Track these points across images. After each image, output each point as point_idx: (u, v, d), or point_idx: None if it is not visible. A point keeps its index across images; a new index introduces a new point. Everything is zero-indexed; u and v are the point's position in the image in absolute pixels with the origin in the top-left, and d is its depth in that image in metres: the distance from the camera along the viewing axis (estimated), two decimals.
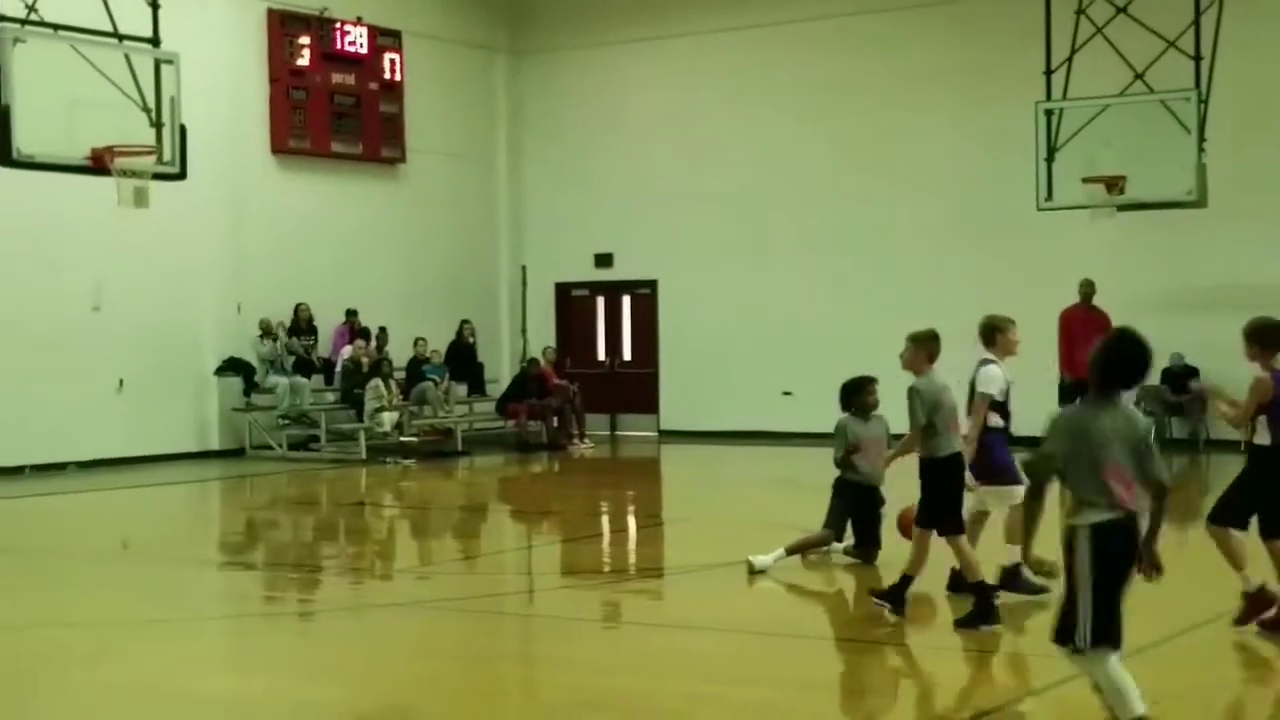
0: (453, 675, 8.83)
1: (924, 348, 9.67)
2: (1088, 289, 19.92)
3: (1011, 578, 9.97)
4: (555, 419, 23.94)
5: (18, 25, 14.38)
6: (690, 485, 20.38)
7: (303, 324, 23.14)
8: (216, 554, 14.65)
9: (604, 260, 26.29)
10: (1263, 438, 8.94)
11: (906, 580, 9.62)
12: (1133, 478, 6.19)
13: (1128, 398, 6.46)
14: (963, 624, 9.32)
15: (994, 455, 10.02)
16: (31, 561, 13.44)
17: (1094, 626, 6.13)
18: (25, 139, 13.79)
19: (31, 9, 14.81)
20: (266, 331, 22.41)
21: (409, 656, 9.27)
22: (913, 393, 9.53)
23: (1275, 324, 9.00)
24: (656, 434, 25.15)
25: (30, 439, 19.81)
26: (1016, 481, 9.74)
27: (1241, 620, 9.11)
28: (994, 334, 10.20)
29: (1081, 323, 19.03)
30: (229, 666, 9.43)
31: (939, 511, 9.52)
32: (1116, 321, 10.62)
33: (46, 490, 18.35)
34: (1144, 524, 6.26)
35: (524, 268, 26.76)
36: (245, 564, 13.88)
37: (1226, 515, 9.16)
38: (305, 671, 8.93)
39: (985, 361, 10.10)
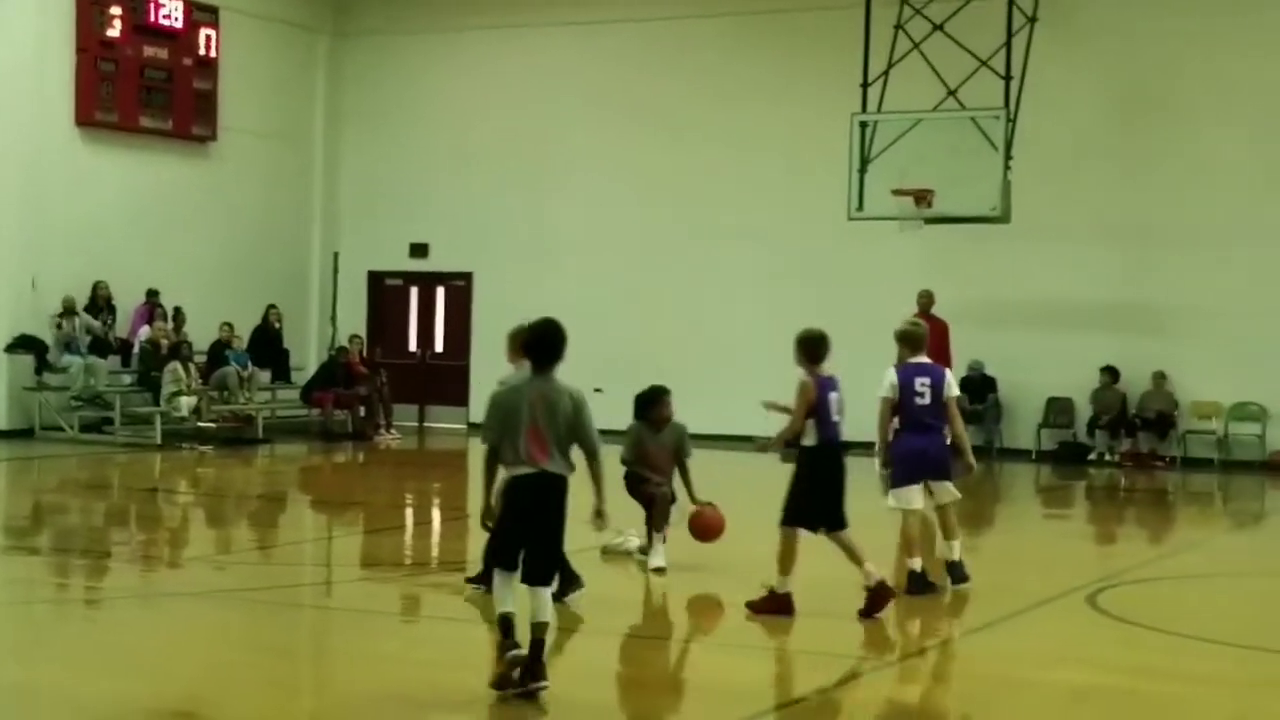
0: (246, 667, 8.54)
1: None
2: (926, 299, 20.02)
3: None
4: (362, 408, 23.56)
5: None
6: None
7: (101, 302, 22.41)
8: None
9: (419, 250, 25.97)
10: (810, 439, 9.61)
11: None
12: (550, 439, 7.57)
13: None
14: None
15: None
16: None
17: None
18: None
19: None
20: (68, 310, 21.64)
21: (201, 647, 8.96)
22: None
23: (816, 336, 9.74)
24: (466, 427, 24.93)
25: None
26: None
27: (867, 612, 9.58)
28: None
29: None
30: (12, 656, 9.00)
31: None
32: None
33: None
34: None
35: (336, 254, 26.29)
36: (30, 548, 13.31)
37: (794, 517, 9.63)
38: (94, 662, 8.57)
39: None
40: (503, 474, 7.76)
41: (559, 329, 7.82)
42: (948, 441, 10.72)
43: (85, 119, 22.43)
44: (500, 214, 25.02)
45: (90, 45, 22.34)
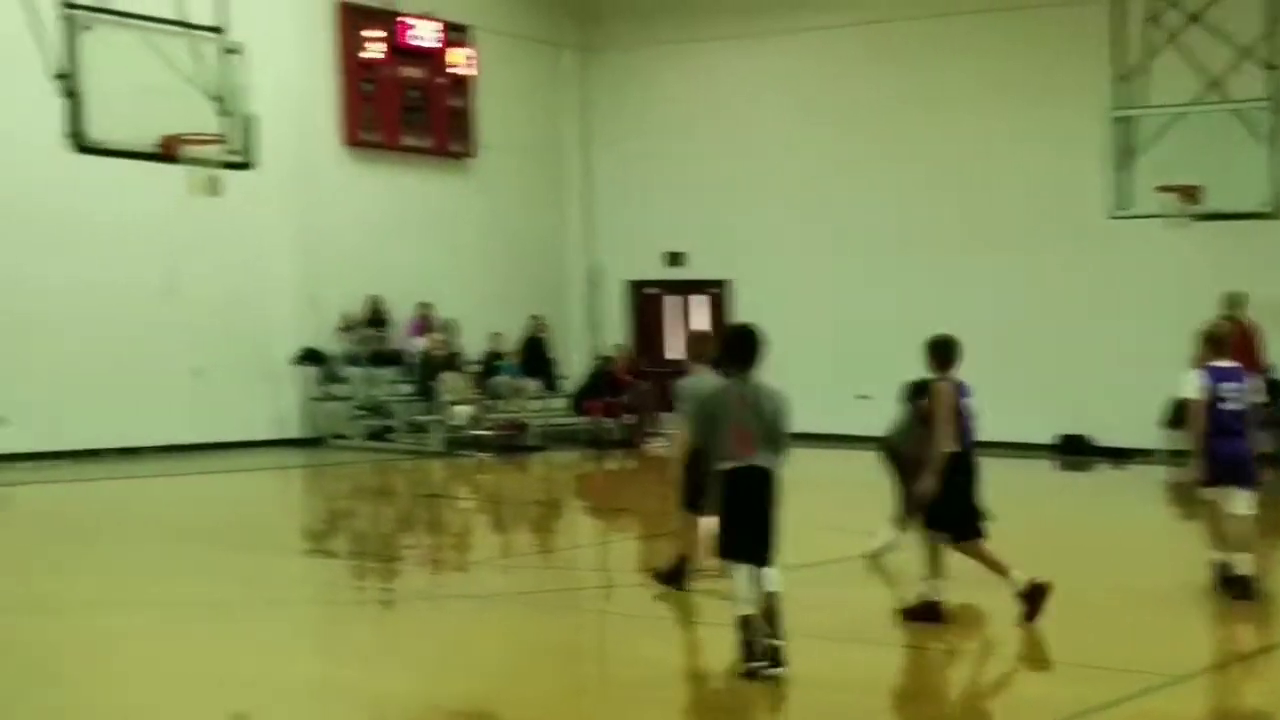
0: (530, 668, 8.89)
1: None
2: (1233, 301, 19.04)
3: None
4: (630, 416, 23.95)
5: (88, 12, 14.46)
6: None
7: (376, 316, 23.30)
8: (298, 541, 14.77)
9: (675, 258, 26.26)
10: (948, 445, 9.53)
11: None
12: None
13: None
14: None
15: None
16: (114, 546, 13.59)
17: None
18: (97, 126, 13.90)
19: None
20: (348, 324, 22.61)
21: (487, 648, 9.34)
22: None
23: (947, 341, 9.82)
24: None
25: (114, 425, 20.10)
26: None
27: (1030, 616, 9.43)
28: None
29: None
30: (309, 652, 9.51)
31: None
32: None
33: (126, 474, 18.56)
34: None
35: (595, 264, 26.78)
36: (327, 552, 13.98)
37: (932, 522, 9.62)
38: (386, 660, 9.00)
39: None
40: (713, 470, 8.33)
41: (757, 334, 8.49)
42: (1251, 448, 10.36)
43: (351, 139, 23.40)
44: (753, 220, 25.12)
45: (353, 68, 23.32)
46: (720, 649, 8.38)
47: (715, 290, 26.09)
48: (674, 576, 10.62)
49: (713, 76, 25.69)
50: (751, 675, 8.03)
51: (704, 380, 9.85)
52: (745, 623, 8.16)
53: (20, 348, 19.21)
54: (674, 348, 26.45)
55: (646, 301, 26.89)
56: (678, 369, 11.34)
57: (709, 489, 8.38)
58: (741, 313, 25.53)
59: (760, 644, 8.09)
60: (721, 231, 25.55)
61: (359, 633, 10.04)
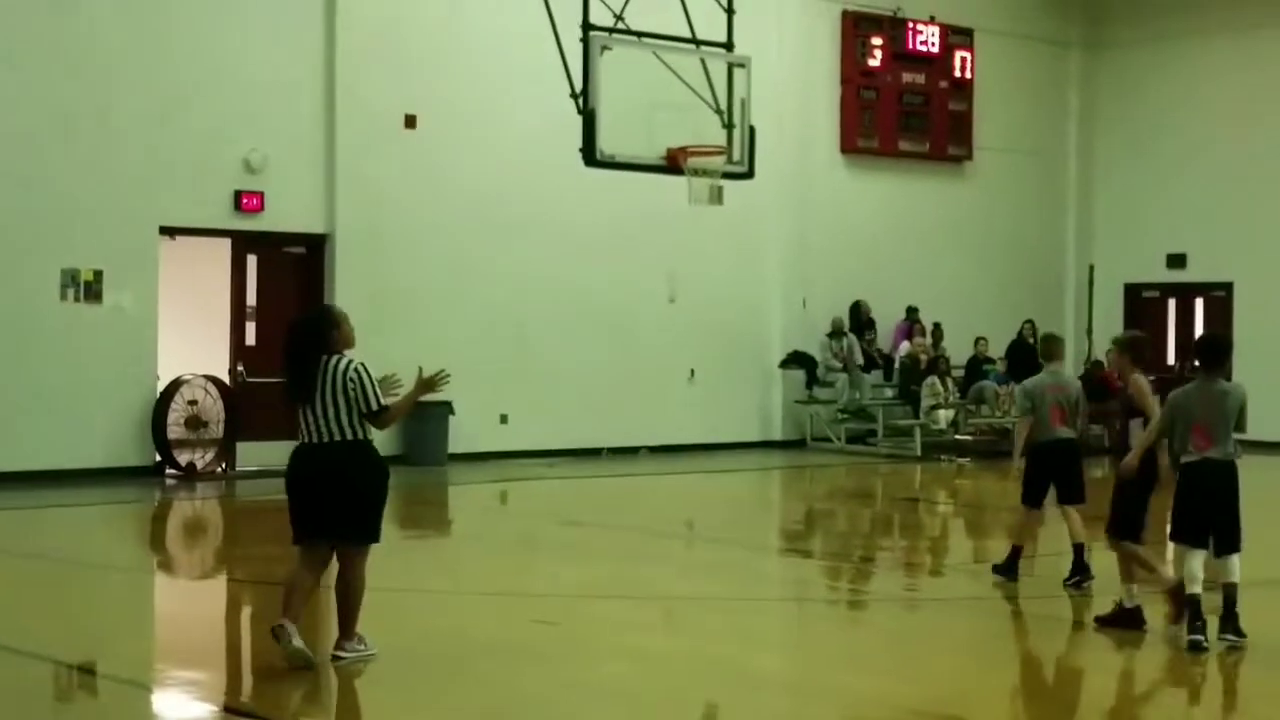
0: (1001, 674, 8.88)
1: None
2: None
3: None
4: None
5: (606, 34, 15.38)
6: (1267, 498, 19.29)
7: (863, 320, 23.57)
8: (777, 540, 15.22)
9: (1176, 261, 25.33)
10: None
11: None
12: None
13: None
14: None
15: None
16: (608, 536, 14.39)
17: None
18: (607, 140, 14.76)
19: (619, 18, 15.82)
20: (837, 330, 22.99)
21: (960, 652, 9.39)
22: None
23: (1144, 339, 11.11)
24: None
25: (609, 424, 21.17)
26: None
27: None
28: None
29: None
30: (783, 648, 9.84)
31: None
32: None
33: (621, 472, 19.55)
34: None
35: (1091, 267, 26.17)
36: (803, 551, 14.36)
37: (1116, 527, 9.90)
38: (860, 660, 9.21)
39: None
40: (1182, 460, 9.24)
41: (1225, 339, 10.29)
42: None
43: (849, 146, 23.73)
44: (1260, 221, 23.95)
45: (853, 76, 23.65)
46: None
47: (1218, 292, 25.04)
48: (1009, 568, 11.33)
49: (1221, 69, 24.64)
50: (1195, 647, 8.94)
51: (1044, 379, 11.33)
52: (1194, 601, 9.01)
53: (525, 350, 20.50)
54: (1174, 353, 25.58)
55: (1144, 305, 26.08)
56: (1179, 375, 11.45)
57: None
58: (1242, 315, 24.46)
59: (1202, 622, 8.98)
60: (1223, 233, 24.50)
61: (831, 631, 10.30)
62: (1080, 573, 11.08)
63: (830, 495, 19.17)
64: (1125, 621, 9.60)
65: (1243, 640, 9.00)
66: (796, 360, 23.04)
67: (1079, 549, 11.12)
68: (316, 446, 8.28)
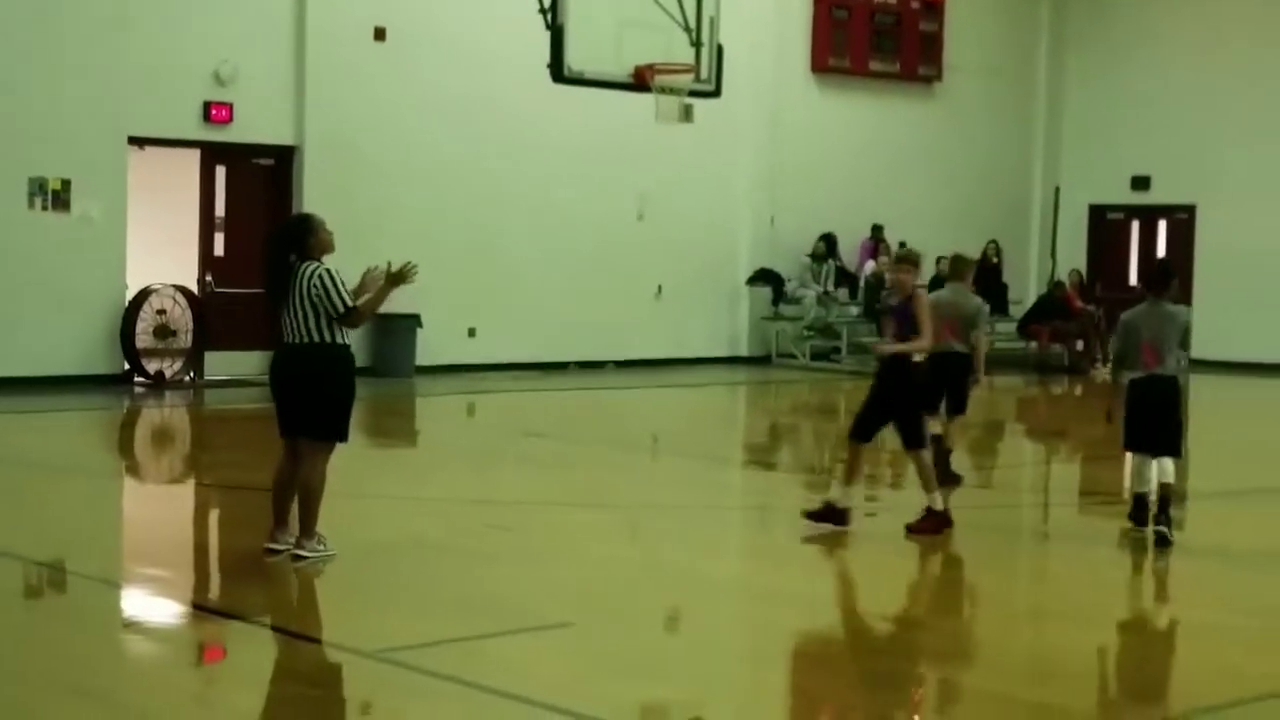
0: (952, 576, 9.16)
1: None
2: None
3: None
4: (1078, 343, 23.61)
5: None
6: (1225, 416, 19.68)
7: (830, 237, 23.73)
8: (739, 453, 15.50)
9: (1141, 183, 25.56)
10: None
11: None
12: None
13: None
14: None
15: None
16: (571, 448, 14.63)
17: None
18: (575, 57, 14.84)
19: None
20: (818, 255, 23.19)
21: (909, 557, 9.65)
22: None
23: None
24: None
25: (576, 339, 21.37)
26: None
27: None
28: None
29: None
30: (738, 553, 10.12)
31: None
32: None
33: (588, 385, 19.78)
34: None
35: (1057, 189, 26.37)
36: (765, 464, 14.63)
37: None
38: (809, 566, 9.51)
39: None
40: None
41: (1169, 265, 11.42)
42: None
43: (820, 65, 23.80)
44: (1223, 148, 24.19)
45: None
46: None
47: (1181, 215, 25.28)
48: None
49: None
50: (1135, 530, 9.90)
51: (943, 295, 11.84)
52: (1140, 500, 9.92)
53: (493, 265, 20.63)
54: (1136, 275, 25.87)
55: (1108, 227, 26.32)
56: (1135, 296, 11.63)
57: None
58: (1204, 238, 24.75)
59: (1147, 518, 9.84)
60: (1188, 156, 24.72)
61: (787, 540, 10.53)
62: (946, 480, 11.24)
63: (794, 410, 19.45)
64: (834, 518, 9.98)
65: (1170, 533, 9.67)
66: (764, 277, 23.23)
67: (945, 454, 11.59)
68: (291, 347, 8.56)
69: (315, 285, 8.44)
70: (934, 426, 11.50)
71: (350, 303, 8.50)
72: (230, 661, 7.13)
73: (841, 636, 8.00)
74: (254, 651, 7.23)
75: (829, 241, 23.54)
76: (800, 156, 23.43)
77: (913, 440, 10.02)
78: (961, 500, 11.16)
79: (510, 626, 7.39)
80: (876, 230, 24.12)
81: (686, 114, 16.04)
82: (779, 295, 23.24)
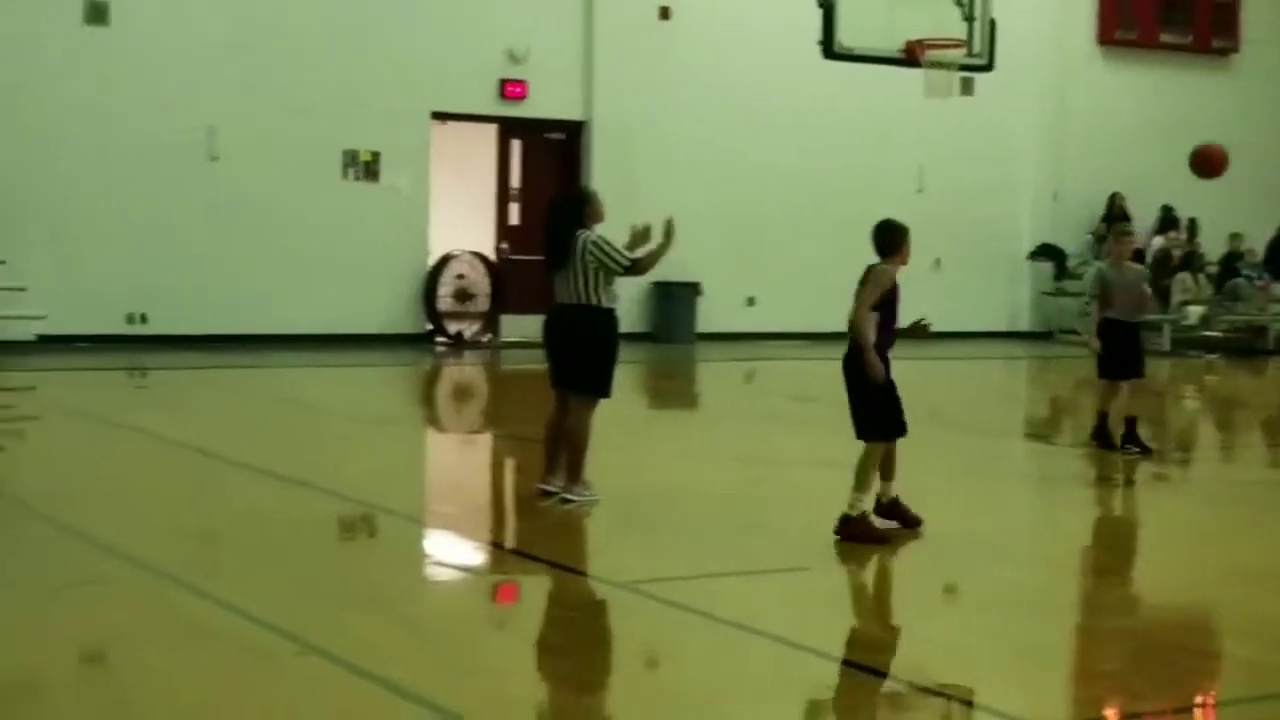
0: (1193, 552, 9.37)
1: None
2: None
3: None
4: None
5: None
6: None
7: (1118, 214, 23.57)
8: (1020, 426, 15.67)
9: None
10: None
11: None
12: None
13: None
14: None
15: None
16: (838, 413, 15.03)
17: None
18: (845, 34, 15.26)
19: None
20: (1100, 238, 23.11)
21: (1185, 536, 9.78)
22: None
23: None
24: None
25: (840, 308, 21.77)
26: None
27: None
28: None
29: None
30: (1005, 518, 10.33)
31: None
32: None
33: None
34: None
35: None
36: (1045, 438, 14.73)
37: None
38: (1092, 537, 9.77)
39: None
40: None
41: None
42: None
43: (1106, 37, 23.62)
44: None
45: None
46: None
47: None
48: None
49: None
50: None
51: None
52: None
53: (772, 236, 21.23)
54: None
55: None
56: None
57: None
58: None
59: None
60: None
61: (1068, 511, 10.68)
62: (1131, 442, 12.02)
63: (1077, 385, 19.43)
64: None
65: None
66: (1046, 252, 23.23)
67: (1130, 421, 12.08)
68: (563, 307, 9.36)
69: (591, 251, 9.21)
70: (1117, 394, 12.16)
71: (629, 259, 9.25)
72: (497, 584, 7.96)
73: (1079, 597, 8.20)
74: (521, 577, 8.05)
75: (1110, 207, 23.32)
76: (1085, 130, 23.35)
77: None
78: (1225, 473, 11.26)
79: (749, 568, 8.00)
80: (1166, 208, 23.81)
81: (966, 87, 16.28)
82: (1061, 270, 23.21)
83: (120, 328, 17.75)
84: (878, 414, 8.67)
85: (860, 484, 8.54)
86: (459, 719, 5.50)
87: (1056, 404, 17.76)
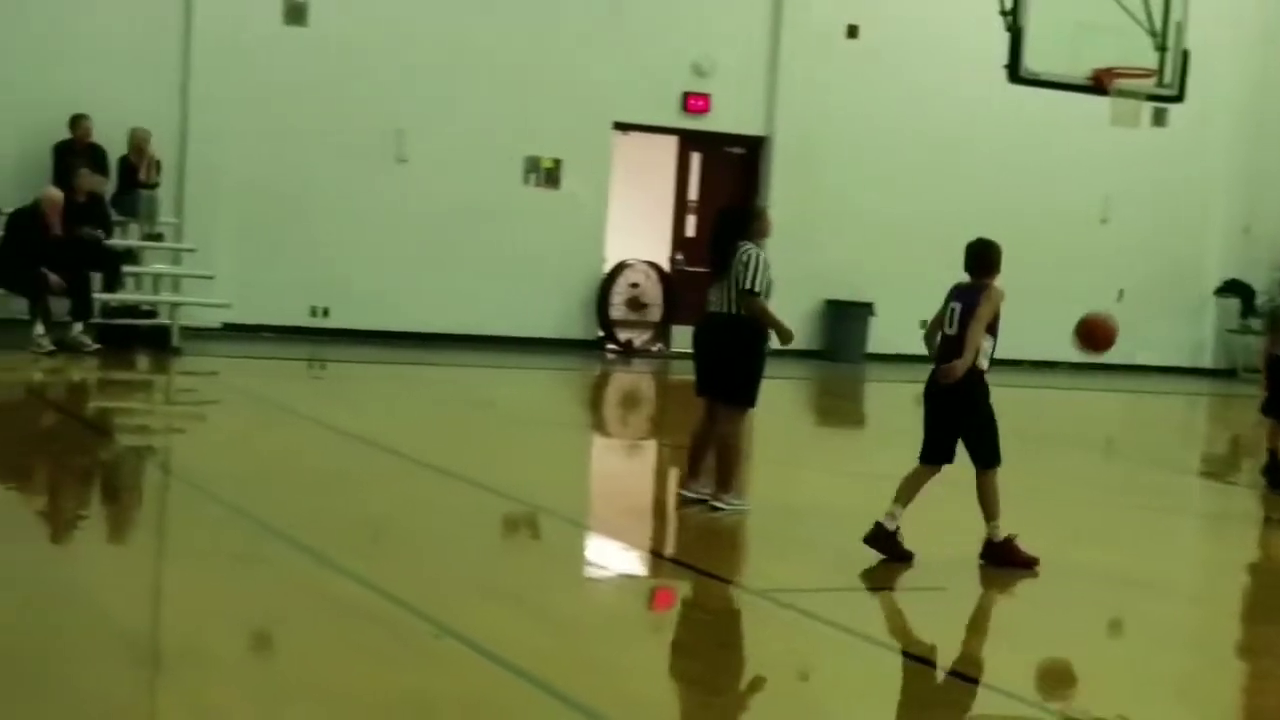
0: None
1: None
2: None
3: None
4: None
5: None
6: None
7: None
8: (1196, 463, 15.35)
9: None
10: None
11: None
12: None
13: None
14: None
15: None
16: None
17: None
18: (1033, 59, 15.11)
19: None
20: None
21: None
22: None
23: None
24: None
25: (1031, 337, 21.23)
26: None
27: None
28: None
29: None
30: (1178, 559, 10.19)
31: None
32: None
33: (1040, 384, 19.91)
34: None
35: None
36: (1223, 478, 14.38)
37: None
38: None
39: None
40: None
41: None
42: None
43: None
44: None
45: None
46: None
47: None
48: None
49: None
50: None
51: None
52: None
53: (949, 259, 20.60)
54: None
55: None
56: None
57: None
58: None
59: None
60: None
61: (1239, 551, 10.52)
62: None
63: (1259, 424, 18.91)
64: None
65: None
66: (1233, 288, 22.69)
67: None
68: (711, 315, 9.47)
69: (741, 261, 9.29)
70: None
71: (754, 286, 9.24)
72: (636, 586, 8.08)
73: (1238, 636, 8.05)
74: (662, 580, 8.18)
75: None
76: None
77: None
78: None
79: (886, 584, 8.02)
80: None
81: (1158, 118, 16.05)
82: (1249, 308, 22.65)
83: (303, 320, 18.29)
84: (995, 439, 8.39)
85: (992, 511, 8.35)
86: (585, 710, 5.64)
87: (1236, 442, 17.33)
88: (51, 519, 8.61)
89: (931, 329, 8.75)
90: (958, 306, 8.45)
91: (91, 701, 5.29)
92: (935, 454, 8.40)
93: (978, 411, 8.37)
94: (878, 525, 8.31)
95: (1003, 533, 8.37)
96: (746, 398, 9.50)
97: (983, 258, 8.64)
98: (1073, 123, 20.26)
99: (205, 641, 6.08)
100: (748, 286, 9.27)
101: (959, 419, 8.33)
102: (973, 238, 8.87)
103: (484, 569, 7.84)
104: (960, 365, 8.22)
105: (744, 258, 9.32)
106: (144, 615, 6.59)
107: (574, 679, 5.95)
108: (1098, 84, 15.44)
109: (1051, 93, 16.71)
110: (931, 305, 20.72)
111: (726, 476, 9.45)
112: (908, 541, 8.32)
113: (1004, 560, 8.35)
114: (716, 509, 9.41)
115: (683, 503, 9.57)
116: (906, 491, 8.37)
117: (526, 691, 5.79)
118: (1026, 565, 8.35)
